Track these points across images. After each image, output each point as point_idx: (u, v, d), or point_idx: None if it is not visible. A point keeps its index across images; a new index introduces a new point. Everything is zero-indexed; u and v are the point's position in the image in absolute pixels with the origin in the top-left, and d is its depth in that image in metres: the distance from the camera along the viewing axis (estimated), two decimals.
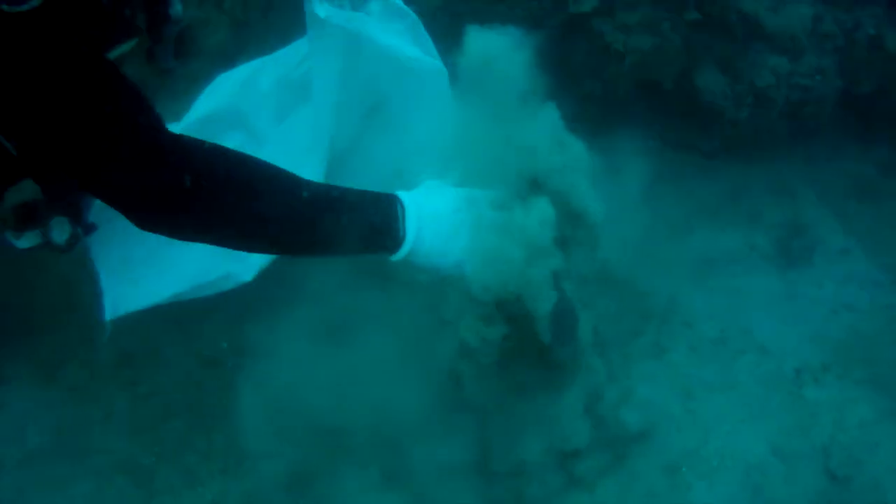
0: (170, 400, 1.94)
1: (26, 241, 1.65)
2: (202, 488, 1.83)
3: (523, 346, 1.53)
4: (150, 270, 1.83)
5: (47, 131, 1.27)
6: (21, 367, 2.05)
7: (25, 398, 2.01)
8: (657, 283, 2.02)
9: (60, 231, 1.62)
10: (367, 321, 1.78)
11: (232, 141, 1.85)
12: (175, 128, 1.70)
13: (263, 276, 1.77)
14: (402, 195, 1.47)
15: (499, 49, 1.46)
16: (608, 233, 1.63)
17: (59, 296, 2.07)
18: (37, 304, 2.08)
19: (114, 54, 1.54)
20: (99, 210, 1.72)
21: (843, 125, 2.30)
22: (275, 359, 1.82)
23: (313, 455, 1.79)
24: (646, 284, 2.00)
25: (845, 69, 2.13)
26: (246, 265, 1.77)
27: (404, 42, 1.73)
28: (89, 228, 1.71)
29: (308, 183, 1.42)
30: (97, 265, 1.86)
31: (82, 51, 1.26)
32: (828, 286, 2.05)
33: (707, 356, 1.87)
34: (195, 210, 1.32)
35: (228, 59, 2.03)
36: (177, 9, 1.69)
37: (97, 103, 1.27)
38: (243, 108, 1.92)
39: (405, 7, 1.75)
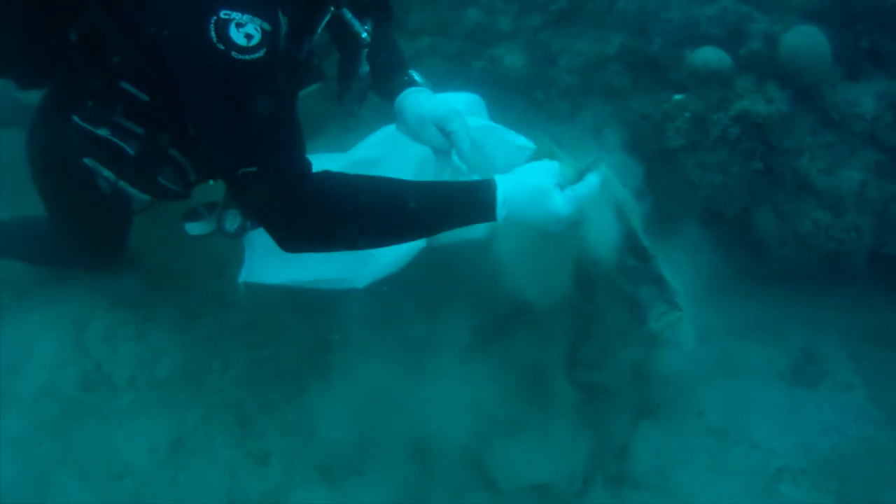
0: (282, 366, 2.54)
1: (198, 229, 2.23)
2: (290, 438, 2.42)
3: None
4: (284, 256, 2.40)
5: (240, 148, 1.78)
6: (167, 310, 2.70)
7: (164, 336, 2.65)
8: (686, 371, 2.58)
9: (232, 221, 2.16)
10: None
11: None
12: (341, 158, 2.43)
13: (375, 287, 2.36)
14: (496, 177, 1.87)
15: None
16: None
17: (208, 262, 2.68)
18: (191, 265, 2.73)
19: (303, 93, 2.17)
20: None
21: (876, 278, 2.82)
22: (370, 361, 2.42)
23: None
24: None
25: (880, 231, 2.65)
26: (361, 274, 2.29)
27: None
28: (256, 223, 2.17)
29: (414, 190, 1.87)
30: (245, 243, 2.40)
31: (285, 94, 1.81)
32: (826, 410, 2.56)
33: (706, 440, 2.42)
34: (323, 236, 1.87)
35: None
36: (364, 69, 2.24)
37: (283, 135, 1.81)
38: (387, 154, 2.53)
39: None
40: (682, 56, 2.58)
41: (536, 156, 2.06)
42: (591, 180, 1.88)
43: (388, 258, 2.27)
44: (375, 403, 2.38)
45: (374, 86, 2.40)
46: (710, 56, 2.49)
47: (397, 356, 2.46)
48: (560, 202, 1.84)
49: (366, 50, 2.21)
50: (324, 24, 2.04)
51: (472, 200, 1.86)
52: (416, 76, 2.31)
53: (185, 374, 2.57)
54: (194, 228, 2.22)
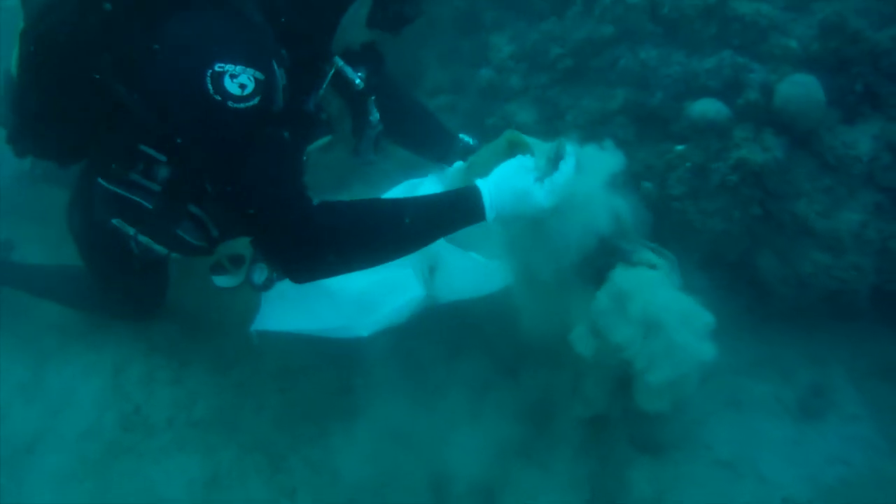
0: (309, 408, 2.77)
1: (224, 282, 2.46)
2: (317, 475, 2.59)
3: None
4: (295, 307, 2.62)
5: (243, 190, 1.99)
6: (203, 356, 2.96)
7: (200, 380, 2.92)
8: (695, 406, 2.73)
9: (259, 274, 2.36)
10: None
11: None
12: None
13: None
14: (477, 182, 2.11)
15: None
16: None
17: (241, 311, 2.82)
18: (225, 314, 3.01)
19: (313, 147, 2.36)
20: None
21: (881, 314, 2.93)
22: (389, 404, 2.65)
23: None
24: (685, 406, 2.73)
25: (882, 268, 2.76)
26: (365, 324, 2.53)
27: None
28: (283, 275, 2.37)
29: (407, 206, 2.11)
30: (263, 295, 2.66)
31: (278, 136, 2.02)
32: (832, 441, 2.65)
33: (714, 472, 2.53)
34: (328, 262, 2.10)
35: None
36: (375, 116, 2.50)
37: (286, 178, 2.05)
38: None
39: None
40: (682, 108, 2.79)
41: (509, 148, 2.26)
42: (565, 169, 2.11)
43: (392, 308, 2.51)
44: (394, 442, 2.61)
45: (397, 135, 2.63)
46: (707, 108, 2.70)
47: (414, 398, 2.68)
48: (541, 196, 2.08)
49: (373, 97, 2.45)
50: (328, 79, 2.25)
51: (461, 208, 2.09)
52: (468, 139, 2.61)
53: (220, 415, 2.80)
54: (221, 281, 2.44)
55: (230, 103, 1.84)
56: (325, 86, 2.28)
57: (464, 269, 2.42)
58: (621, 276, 2.24)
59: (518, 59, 3.14)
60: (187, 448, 2.72)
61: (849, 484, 2.58)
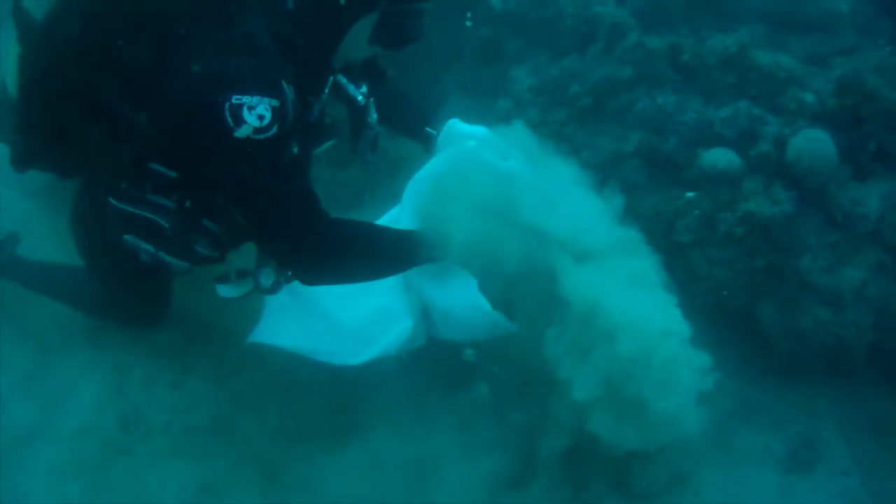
0: (306, 424, 2.84)
1: (228, 291, 2.55)
2: (308, 493, 2.66)
3: None
4: (293, 325, 2.74)
5: (267, 213, 2.17)
6: (205, 363, 3.06)
7: (201, 387, 3.02)
8: (686, 450, 2.79)
9: (267, 278, 2.47)
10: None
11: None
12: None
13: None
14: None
15: None
16: None
17: (247, 321, 2.88)
18: (231, 323, 3.02)
19: (318, 151, 2.50)
20: None
21: (876, 372, 3.00)
22: (384, 426, 2.77)
23: None
24: (675, 452, 2.80)
25: (880, 327, 2.84)
26: (355, 351, 2.63)
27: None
28: (290, 279, 2.49)
29: (399, 237, 2.39)
30: (265, 306, 2.79)
31: (292, 155, 2.19)
32: (820, 495, 2.73)
33: None
34: (330, 271, 2.34)
35: None
36: (373, 117, 2.59)
37: (306, 199, 2.23)
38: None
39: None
40: (695, 156, 2.88)
41: None
42: None
43: (385, 339, 2.61)
44: (385, 470, 2.70)
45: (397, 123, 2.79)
46: (719, 158, 2.79)
47: (409, 426, 2.79)
48: None
49: (372, 99, 2.54)
50: (329, 85, 2.35)
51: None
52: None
53: (218, 423, 2.90)
54: (225, 291, 2.54)
55: (251, 135, 1.96)
56: (326, 92, 2.37)
57: (469, 316, 2.51)
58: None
59: (537, 92, 3.23)
60: (182, 454, 2.81)
61: None
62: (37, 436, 2.86)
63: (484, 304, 2.46)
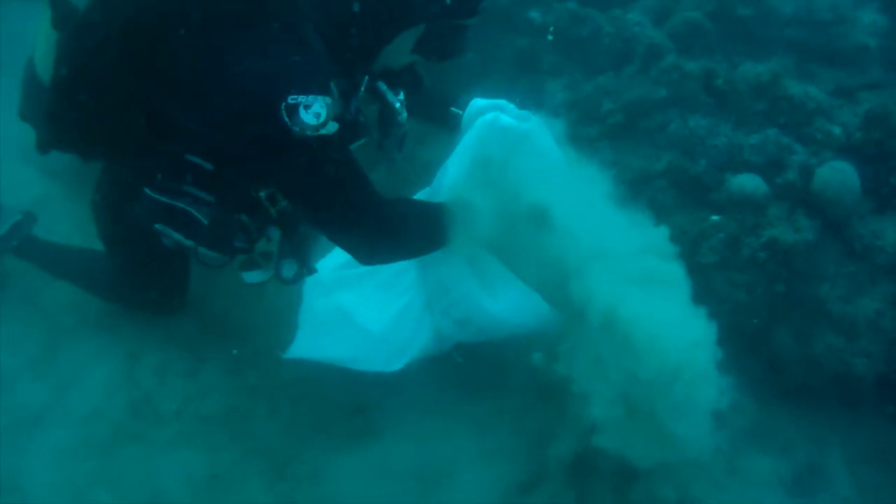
0: (320, 422, 2.85)
1: (255, 277, 2.58)
2: (317, 490, 2.69)
3: None
4: (329, 336, 2.78)
5: (333, 204, 2.23)
6: (219, 354, 3.06)
7: (213, 377, 3.03)
8: (694, 473, 2.86)
9: (289, 269, 2.52)
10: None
11: None
12: None
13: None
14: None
15: None
16: None
17: (264, 314, 3.04)
18: (247, 315, 3.11)
19: (353, 146, 2.48)
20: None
21: (885, 402, 3.05)
22: (399, 429, 2.81)
23: None
24: (685, 471, 2.85)
25: (890, 358, 2.91)
26: (390, 357, 2.71)
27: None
28: (312, 270, 2.59)
29: (441, 208, 2.47)
30: (300, 321, 2.84)
31: (348, 153, 2.26)
32: None
33: None
34: (391, 249, 2.43)
35: None
36: (402, 116, 2.59)
37: (362, 185, 2.27)
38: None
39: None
40: (723, 179, 2.95)
41: None
42: None
43: (416, 347, 2.70)
44: (396, 468, 2.74)
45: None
46: (746, 183, 2.86)
47: (423, 426, 2.83)
48: None
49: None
50: (364, 84, 2.39)
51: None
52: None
53: (229, 415, 2.91)
54: (251, 277, 2.55)
55: (309, 133, 1.98)
56: (362, 91, 2.41)
57: (519, 302, 2.59)
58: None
59: (570, 107, 3.29)
60: (192, 443, 2.81)
61: None
62: (45, 417, 2.86)
63: (537, 297, 2.54)
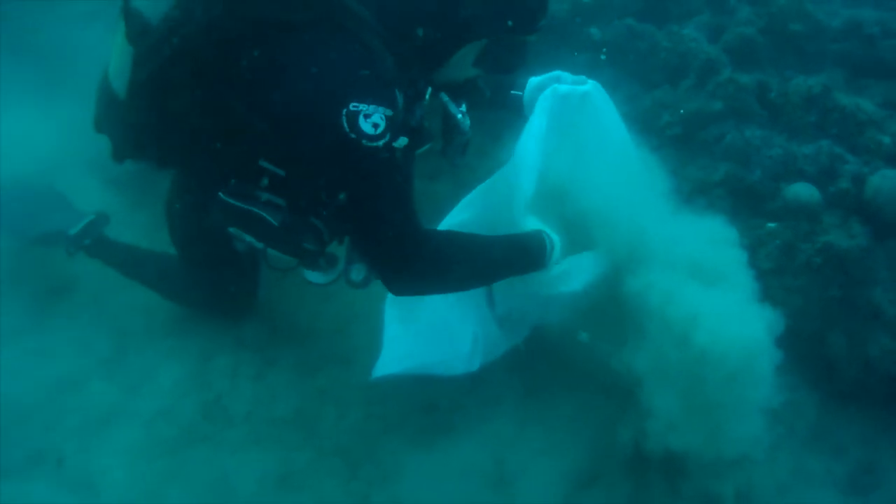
0: (390, 422, 2.95)
1: (317, 277, 2.66)
2: (391, 489, 2.76)
3: None
4: (410, 346, 2.89)
5: (372, 219, 2.29)
6: (289, 357, 3.16)
7: (283, 380, 3.10)
8: (752, 471, 2.93)
9: (358, 273, 2.57)
10: None
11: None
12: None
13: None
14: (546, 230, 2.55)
15: None
16: None
17: (333, 318, 3.21)
18: (316, 319, 3.25)
19: (419, 152, 2.57)
20: None
21: None
22: (470, 429, 2.90)
23: None
24: (742, 469, 2.90)
25: None
26: (464, 359, 2.83)
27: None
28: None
29: (497, 243, 2.49)
30: (385, 337, 2.92)
31: (399, 164, 2.31)
32: None
33: None
34: (431, 283, 2.44)
35: None
36: (467, 122, 2.69)
37: (408, 208, 2.34)
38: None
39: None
40: (778, 188, 3.09)
41: None
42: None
43: (496, 343, 2.84)
44: (468, 468, 2.82)
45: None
46: (801, 192, 3.01)
47: (495, 424, 2.92)
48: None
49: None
50: (430, 91, 2.49)
51: (535, 254, 2.51)
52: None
53: (300, 417, 2.99)
54: (313, 276, 2.63)
55: (365, 142, 2.07)
56: (427, 97, 2.50)
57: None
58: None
59: (629, 120, 3.33)
60: (264, 444, 2.88)
61: None
62: (115, 417, 2.94)
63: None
